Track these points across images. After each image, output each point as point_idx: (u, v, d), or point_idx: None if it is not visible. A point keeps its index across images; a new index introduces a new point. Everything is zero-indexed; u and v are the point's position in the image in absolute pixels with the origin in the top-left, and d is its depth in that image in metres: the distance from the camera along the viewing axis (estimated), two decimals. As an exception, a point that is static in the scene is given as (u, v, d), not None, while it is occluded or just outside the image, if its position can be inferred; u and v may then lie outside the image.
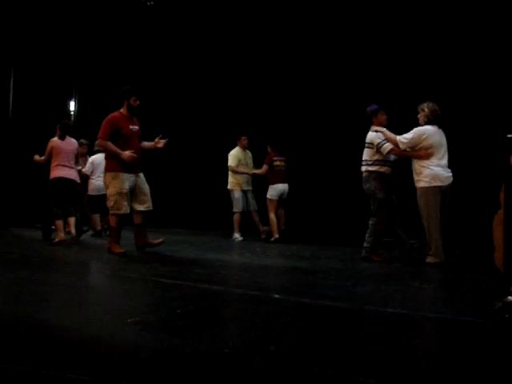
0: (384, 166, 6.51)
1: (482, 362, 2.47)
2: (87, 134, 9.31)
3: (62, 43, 12.43)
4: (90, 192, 9.59)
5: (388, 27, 10.18)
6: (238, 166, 9.56)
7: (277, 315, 3.37)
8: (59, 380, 2.08)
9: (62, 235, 8.09)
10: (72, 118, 13.41)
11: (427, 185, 6.05)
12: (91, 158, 9.70)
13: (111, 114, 6.90)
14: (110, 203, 6.71)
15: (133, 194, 6.77)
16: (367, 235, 6.50)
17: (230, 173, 9.61)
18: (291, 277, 5.25)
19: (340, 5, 10.60)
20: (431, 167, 6.06)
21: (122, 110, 6.92)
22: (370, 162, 6.53)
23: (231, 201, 9.61)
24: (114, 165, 6.65)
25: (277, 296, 3.93)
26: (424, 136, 6.08)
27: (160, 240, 6.95)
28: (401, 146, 6.22)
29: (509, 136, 3.66)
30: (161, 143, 7.14)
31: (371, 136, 6.54)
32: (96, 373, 2.15)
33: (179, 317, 3.18)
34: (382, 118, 6.67)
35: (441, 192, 6.06)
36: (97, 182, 9.43)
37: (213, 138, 11.87)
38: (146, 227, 6.98)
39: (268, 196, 9.28)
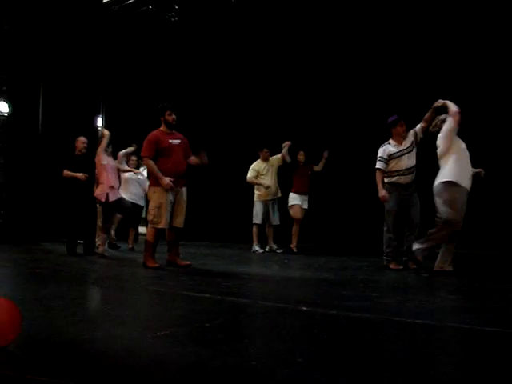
0: (394, 176, 6.83)
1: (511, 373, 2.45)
2: (114, 149, 9.43)
3: (89, 60, 12.63)
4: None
5: (412, 33, 10.18)
6: (256, 177, 9.74)
7: (304, 327, 3.38)
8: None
9: (102, 249, 8.46)
10: (99, 133, 13.60)
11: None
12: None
13: (151, 133, 6.98)
14: (149, 217, 6.81)
15: (172, 208, 6.82)
16: (384, 244, 6.93)
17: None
18: (318, 289, 5.25)
19: (361, 12, 10.64)
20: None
21: (161, 128, 7.00)
22: (386, 174, 6.89)
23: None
24: (156, 180, 6.77)
25: (304, 308, 3.93)
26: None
27: (187, 262, 6.94)
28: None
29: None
30: (204, 159, 7.16)
31: (378, 150, 6.97)
32: (126, 386, 2.19)
33: (207, 330, 3.20)
34: (401, 129, 6.88)
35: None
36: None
37: (239, 148, 11.94)
38: (179, 245, 7.05)
39: (290, 204, 9.67)
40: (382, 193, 6.75)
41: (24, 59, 12.17)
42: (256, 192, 9.83)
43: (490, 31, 9.49)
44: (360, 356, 2.67)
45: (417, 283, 5.63)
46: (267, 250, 9.73)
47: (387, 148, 6.89)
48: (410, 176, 6.82)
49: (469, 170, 6.13)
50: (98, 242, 8.86)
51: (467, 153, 6.17)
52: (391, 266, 6.76)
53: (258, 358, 2.60)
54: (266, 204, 9.72)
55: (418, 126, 6.84)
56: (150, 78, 13.41)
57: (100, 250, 8.46)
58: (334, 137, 11.20)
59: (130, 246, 9.92)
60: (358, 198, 10.28)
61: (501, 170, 9.24)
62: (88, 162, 8.67)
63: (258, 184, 9.73)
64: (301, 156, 9.76)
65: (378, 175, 6.83)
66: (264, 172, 9.78)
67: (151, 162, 6.77)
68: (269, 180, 9.72)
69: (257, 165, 9.86)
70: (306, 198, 9.77)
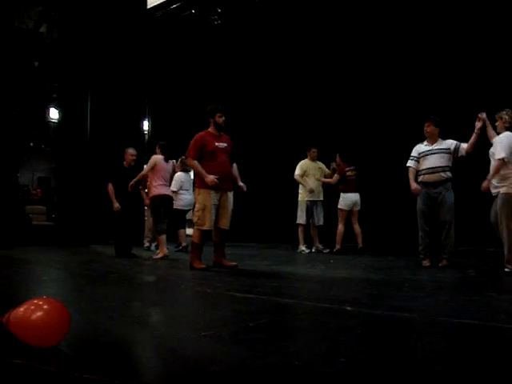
0: (421, 174, 7.09)
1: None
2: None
3: (135, 65, 12.85)
4: (176, 206, 9.90)
5: (428, 33, 10.11)
6: (303, 176, 9.78)
7: (348, 327, 3.37)
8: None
9: (165, 250, 8.46)
10: (146, 136, 13.85)
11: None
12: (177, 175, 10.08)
13: (198, 134, 7.01)
14: (194, 218, 6.96)
15: (217, 211, 6.86)
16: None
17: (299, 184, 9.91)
18: (364, 288, 5.22)
19: (378, 14, 10.61)
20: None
21: (209, 129, 7.04)
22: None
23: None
24: (201, 182, 6.83)
25: (349, 308, 3.93)
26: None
27: (233, 263, 6.95)
28: (500, 158, 6.10)
29: None
30: (242, 188, 7.31)
31: None
32: (170, 385, 2.24)
33: (251, 330, 3.23)
34: (426, 129, 7.15)
35: None
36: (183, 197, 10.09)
37: (286, 150, 11.96)
38: (224, 246, 7.10)
39: (339, 206, 9.43)
40: (414, 186, 7.02)
41: (73, 67, 12.49)
42: (300, 192, 9.89)
43: (495, 31, 9.32)
44: (402, 356, 2.66)
45: (464, 283, 5.54)
46: (313, 250, 9.72)
47: (419, 147, 7.18)
48: (436, 175, 6.92)
49: None
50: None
51: None
52: (424, 264, 6.92)
53: (301, 357, 2.61)
54: (309, 204, 9.74)
55: (463, 146, 6.89)
56: (194, 81, 13.54)
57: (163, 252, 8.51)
58: (374, 134, 11.15)
59: (184, 244, 10.08)
60: (402, 198, 10.16)
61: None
62: (135, 175, 8.69)
63: (303, 184, 9.77)
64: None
65: (409, 172, 7.13)
66: (310, 172, 9.84)
67: (196, 162, 6.82)
68: (313, 180, 9.76)
69: (304, 163, 9.91)
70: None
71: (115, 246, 8.86)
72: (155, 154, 8.85)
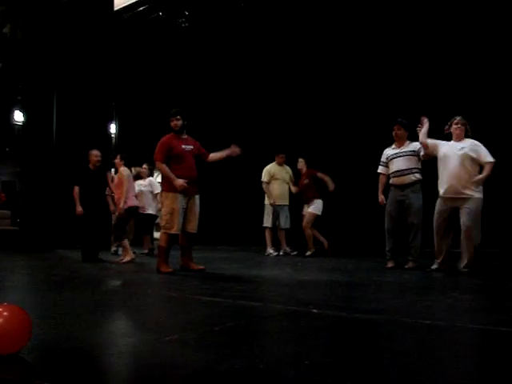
0: (390, 177, 7.24)
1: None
2: (128, 155, 9.54)
3: (101, 67, 12.73)
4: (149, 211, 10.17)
5: (410, 36, 10.23)
6: (270, 180, 9.92)
7: (314, 330, 3.37)
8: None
9: (131, 254, 8.56)
10: (113, 140, 13.73)
11: (482, 196, 6.37)
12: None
13: (164, 136, 7.02)
14: (162, 222, 6.90)
15: (185, 214, 6.84)
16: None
17: (264, 188, 10.07)
18: (331, 291, 5.24)
19: (359, 17, 10.71)
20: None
21: (172, 133, 7.03)
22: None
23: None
24: (169, 185, 6.78)
25: (315, 311, 3.93)
26: None
27: (201, 267, 6.95)
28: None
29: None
30: (236, 151, 7.16)
31: None
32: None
33: (217, 334, 3.22)
34: (396, 132, 7.25)
35: None
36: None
37: (254, 153, 11.97)
38: (191, 250, 7.07)
39: (313, 210, 9.63)
40: (380, 198, 7.27)
41: (38, 68, 12.30)
42: (266, 196, 10.04)
43: (489, 32, 9.47)
44: (367, 358, 2.67)
45: (429, 283, 5.61)
46: (281, 253, 9.80)
47: (386, 151, 7.36)
48: (404, 177, 7.03)
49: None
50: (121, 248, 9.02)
51: None
52: (388, 265, 7.02)
53: (266, 360, 2.60)
54: (275, 208, 9.86)
55: (422, 153, 7.03)
56: (162, 84, 13.48)
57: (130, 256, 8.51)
58: (345, 142, 11.28)
59: (150, 247, 10.12)
60: (369, 200, 10.27)
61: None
62: (101, 176, 8.78)
63: (268, 194, 9.98)
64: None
65: (380, 179, 7.32)
66: (278, 176, 9.99)
67: (164, 166, 6.76)
68: (280, 184, 9.93)
69: (272, 168, 10.05)
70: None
71: (82, 250, 8.75)
72: (118, 164, 9.10)
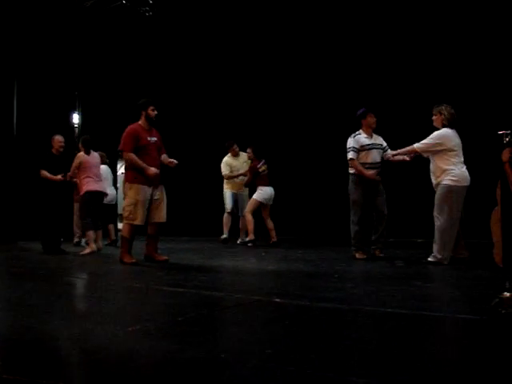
0: (364, 168, 6.86)
1: (480, 360, 2.49)
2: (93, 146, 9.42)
3: (64, 55, 12.52)
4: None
5: (378, 27, 10.29)
6: (231, 171, 10.12)
7: (276, 319, 3.40)
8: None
9: (93, 246, 8.30)
10: (76, 130, 13.52)
11: (456, 184, 6.04)
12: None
13: (130, 126, 6.88)
14: (125, 213, 6.79)
15: (150, 205, 6.78)
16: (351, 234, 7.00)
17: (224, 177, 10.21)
18: (294, 280, 5.27)
19: (332, 7, 10.72)
20: (458, 168, 6.08)
21: (140, 122, 6.92)
22: (350, 165, 6.97)
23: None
24: (133, 176, 6.71)
25: (277, 300, 3.96)
26: (445, 139, 6.12)
27: (165, 257, 6.91)
28: (421, 153, 6.31)
29: (500, 132, 3.68)
30: (172, 164, 7.09)
31: (348, 141, 6.97)
32: (95, 381, 2.20)
33: (179, 324, 3.22)
34: (371, 120, 6.98)
35: (464, 193, 6.12)
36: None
37: (213, 143, 11.89)
38: (157, 240, 7.04)
39: (255, 197, 9.55)
40: (369, 172, 6.82)
41: (-3, 56, 12.03)
42: (225, 185, 10.26)
43: (468, 28, 9.58)
44: (329, 346, 2.70)
45: (393, 273, 5.66)
46: (238, 242, 9.95)
47: (360, 138, 6.90)
48: (376, 171, 6.92)
49: None
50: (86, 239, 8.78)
51: None
52: (357, 256, 6.89)
53: (228, 350, 2.62)
54: (234, 194, 10.15)
55: (389, 152, 7.00)
56: (125, 74, 13.33)
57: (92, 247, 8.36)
58: (290, 127, 11.31)
59: (113, 238, 10.03)
60: (335, 189, 10.31)
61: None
62: (65, 162, 8.65)
63: (234, 177, 10.10)
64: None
65: (355, 164, 6.84)
66: (235, 169, 10.16)
67: (133, 155, 6.66)
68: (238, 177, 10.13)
69: (229, 159, 10.19)
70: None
71: (42, 241, 8.62)
72: (79, 150, 8.78)
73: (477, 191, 7.12)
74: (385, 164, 7.13)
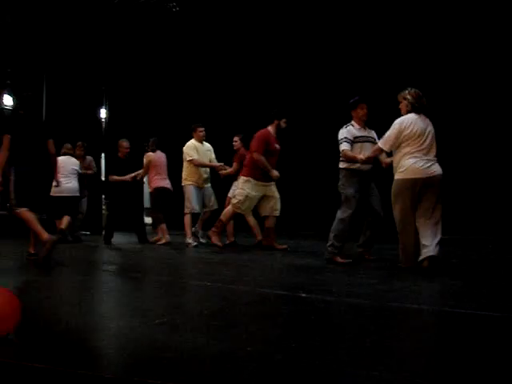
0: (356, 162, 6.08)
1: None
2: (118, 140, 9.54)
3: (91, 51, 12.65)
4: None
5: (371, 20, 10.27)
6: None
7: (302, 314, 3.42)
8: (89, 379, 2.17)
9: (167, 237, 8.85)
10: (103, 124, 13.67)
11: (402, 176, 5.36)
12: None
13: (262, 131, 7.51)
14: (234, 200, 7.61)
15: (261, 201, 7.61)
16: (331, 234, 6.11)
17: (185, 167, 8.79)
18: (320, 275, 5.26)
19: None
20: (409, 158, 5.34)
21: (270, 128, 7.54)
22: (341, 158, 6.21)
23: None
24: (252, 173, 7.47)
25: (303, 295, 3.97)
26: (403, 126, 5.38)
27: (284, 246, 7.63)
28: (385, 149, 5.57)
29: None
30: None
31: (340, 132, 6.22)
32: (123, 372, 2.24)
33: (205, 317, 3.25)
34: (361, 112, 6.25)
35: (419, 186, 5.28)
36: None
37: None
38: (274, 231, 7.75)
39: (230, 194, 8.48)
40: (360, 155, 6.02)
41: (27, 52, 12.19)
42: (187, 176, 8.76)
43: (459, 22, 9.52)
44: (354, 341, 2.72)
45: (418, 270, 5.60)
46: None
47: (351, 130, 6.18)
48: (370, 165, 6.20)
49: None
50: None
51: None
52: (340, 260, 6.03)
53: (254, 343, 2.64)
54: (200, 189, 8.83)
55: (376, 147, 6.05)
56: (152, 69, 13.41)
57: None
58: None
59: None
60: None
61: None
62: (131, 163, 9.38)
63: (207, 166, 8.90)
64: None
65: (348, 154, 6.06)
66: (201, 155, 8.81)
67: (262, 158, 7.32)
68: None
69: (193, 145, 8.79)
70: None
71: (106, 233, 9.35)
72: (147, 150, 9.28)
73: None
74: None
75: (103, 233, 9.40)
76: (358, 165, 6.06)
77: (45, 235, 5.84)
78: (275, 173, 7.39)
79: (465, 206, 9.19)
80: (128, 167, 9.28)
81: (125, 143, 9.35)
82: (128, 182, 9.16)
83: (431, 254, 5.10)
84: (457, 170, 8.40)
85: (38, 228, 5.93)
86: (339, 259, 6.02)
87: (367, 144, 6.19)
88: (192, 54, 12.87)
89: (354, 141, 6.13)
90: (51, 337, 2.80)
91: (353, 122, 6.26)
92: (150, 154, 9.13)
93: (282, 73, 11.55)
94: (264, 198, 7.60)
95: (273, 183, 7.64)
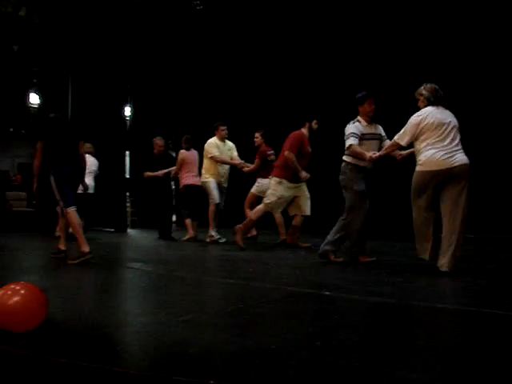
0: (361, 159, 5.93)
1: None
2: (141, 138, 9.68)
3: (116, 50, 12.74)
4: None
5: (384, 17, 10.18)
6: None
7: (326, 312, 3.41)
8: (113, 374, 2.19)
9: (191, 232, 9.23)
10: (127, 122, 13.77)
11: (421, 169, 5.21)
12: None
13: (297, 133, 7.53)
14: (266, 200, 7.53)
15: (292, 201, 7.65)
16: (335, 235, 5.96)
17: (205, 164, 8.91)
18: (343, 274, 5.24)
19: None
20: (429, 149, 5.18)
21: (303, 130, 7.57)
22: (347, 152, 6.03)
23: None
24: (284, 173, 7.46)
25: (327, 293, 3.96)
26: (420, 119, 5.25)
27: (308, 244, 7.72)
28: (403, 143, 5.38)
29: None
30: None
31: (347, 127, 6.06)
32: (147, 368, 2.26)
33: (229, 315, 3.26)
34: (369, 108, 6.08)
35: (439, 179, 5.11)
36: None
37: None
38: (300, 230, 7.85)
39: (253, 191, 8.76)
40: (369, 153, 5.81)
41: (53, 51, 12.33)
42: (206, 173, 8.85)
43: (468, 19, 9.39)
44: (378, 340, 2.70)
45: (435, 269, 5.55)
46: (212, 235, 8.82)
47: (358, 126, 6.01)
48: (372, 164, 6.06)
49: None
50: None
51: None
52: (332, 259, 5.95)
53: (278, 341, 2.64)
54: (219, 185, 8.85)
55: (386, 142, 6.05)
56: (175, 67, 13.46)
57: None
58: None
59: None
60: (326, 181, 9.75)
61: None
62: (165, 160, 9.68)
63: (227, 163, 8.91)
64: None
65: (357, 150, 5.86)
66: (221, 153, 8.84)
67: (294, 158, 7.33)
68: (222, 165, 8.95)
69: (215, 143, 8.83)
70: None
71: (160, 229, 9.69)
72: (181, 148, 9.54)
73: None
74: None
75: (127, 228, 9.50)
76: (365, 162, 5.92)
77: (85, 247, 6.04)
78: (304, 174, 7.41)
79: (491, 203, 9.05)
80: (161, 164, 9.57)
81: (160, 141, 9.70)
82: (160, 178, 9.47)
83: (444, 270, 4.95)
84: (481, 166, 8.31)
85: (81, 235, 6.12)
86: (332, 258, 5.95)
87: (374, 142, 6.07)
88: (215, 51, 12.89)
89: (361, 137, 5.96)
90: (77, 332, 2.83)
91: (360, 118, 6.09)
92: (183, 151, 9.39)
93: (302, 70, 11.53)
94: (294, 197, 7.67)
95: (303, 183, 7.70)
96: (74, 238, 6.40)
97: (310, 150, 7.63)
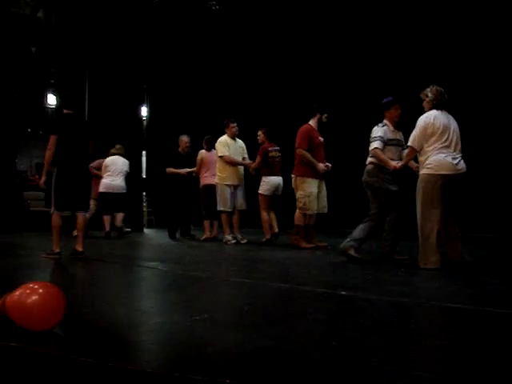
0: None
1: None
2: (158, 138, 9.72)
3: (132, 50, 12.81)
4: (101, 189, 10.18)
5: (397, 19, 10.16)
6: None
7: (342, 312, 3.40)
8: (130, 373, 2.20)
9: (208, 233, 9.34)
10: (144, 122, 13.83)
11: (431, 172, 5.25)
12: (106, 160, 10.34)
13: (305, 126, 7.53)
14: (299, 204, 7.49)
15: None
16: (360, 233, 5.97)
17: (218, 162, 8.79)
18: (360, 273, 5.23)
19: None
20: (437, 154, 5.25)
21: (311, 123, 7.61)
22: (371, 154, 6.04)
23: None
24: (305, 171, 7.45)
25: (343, 293, 3.95)
26: (427, 121, 5.32)
27: (324, 244, 7.65)
28: (416, 147, 5.41)
29: None
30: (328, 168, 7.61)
31: (374, 129, 6.07)
32: (163, 367, 2.27)
33: (245, 314, 3.26)
34: (395, 113, 6.11)
35: (445, 181, 5.22)
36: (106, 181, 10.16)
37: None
38: (314, 228, 7.76)
39: (260, 191, 8.45)
40: (393, 163, 5.83)
41: (70, 52, 12.43)
42: (220, 175, 8.73)
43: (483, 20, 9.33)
44: (394, 339, 2.69)
45: (461, 269, 5.52)
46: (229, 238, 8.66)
47: (385, 130, 6.01)
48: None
49: None
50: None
51: None
52: (352, 253, 5.91)
53: (293, 341, 2.64)
54: (233, 187, 8.71)
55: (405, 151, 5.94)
56: (192, 67, 13.49)
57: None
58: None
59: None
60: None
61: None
62: (189, 159, 9.66)
63: (239, 164, 8.78)
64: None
65: (381, 157, 5.88)
66: (231, 152, 8.70)
67: (307, 153, 7.36)
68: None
69: (225, 141, 8.72)
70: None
71: (168, 228, 9.88)
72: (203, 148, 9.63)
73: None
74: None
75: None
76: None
77: (56, 247, 6.41)
78: (321, 166, 7.38)
79: (501, 204, 8.97)
80: (186, 162, 9.65)
81: (186, 138, 9.78)
82: (182, 177, 9.56)
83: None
84: (485, 167, 8.31)
85: (56, 237, 6.48)
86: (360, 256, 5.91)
87: (397, 148, 6.08)
88: (231, 51, 12.90)
89: (387, 142, 5.97)
90: (94, 331, 2.84)
91: (387, 122, 6.09)
92: (203, 151, 9.48)
93: (312, 68, 11.55)
94: (318, 194, 7.59)
95: (323, 180, 7.64)
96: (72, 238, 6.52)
97: (321, 139, 7.59)
